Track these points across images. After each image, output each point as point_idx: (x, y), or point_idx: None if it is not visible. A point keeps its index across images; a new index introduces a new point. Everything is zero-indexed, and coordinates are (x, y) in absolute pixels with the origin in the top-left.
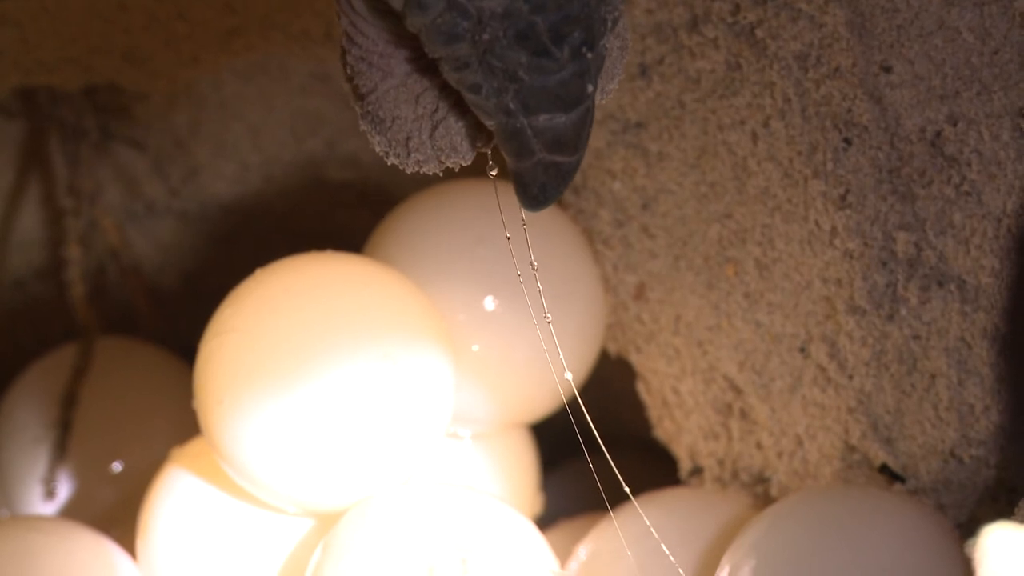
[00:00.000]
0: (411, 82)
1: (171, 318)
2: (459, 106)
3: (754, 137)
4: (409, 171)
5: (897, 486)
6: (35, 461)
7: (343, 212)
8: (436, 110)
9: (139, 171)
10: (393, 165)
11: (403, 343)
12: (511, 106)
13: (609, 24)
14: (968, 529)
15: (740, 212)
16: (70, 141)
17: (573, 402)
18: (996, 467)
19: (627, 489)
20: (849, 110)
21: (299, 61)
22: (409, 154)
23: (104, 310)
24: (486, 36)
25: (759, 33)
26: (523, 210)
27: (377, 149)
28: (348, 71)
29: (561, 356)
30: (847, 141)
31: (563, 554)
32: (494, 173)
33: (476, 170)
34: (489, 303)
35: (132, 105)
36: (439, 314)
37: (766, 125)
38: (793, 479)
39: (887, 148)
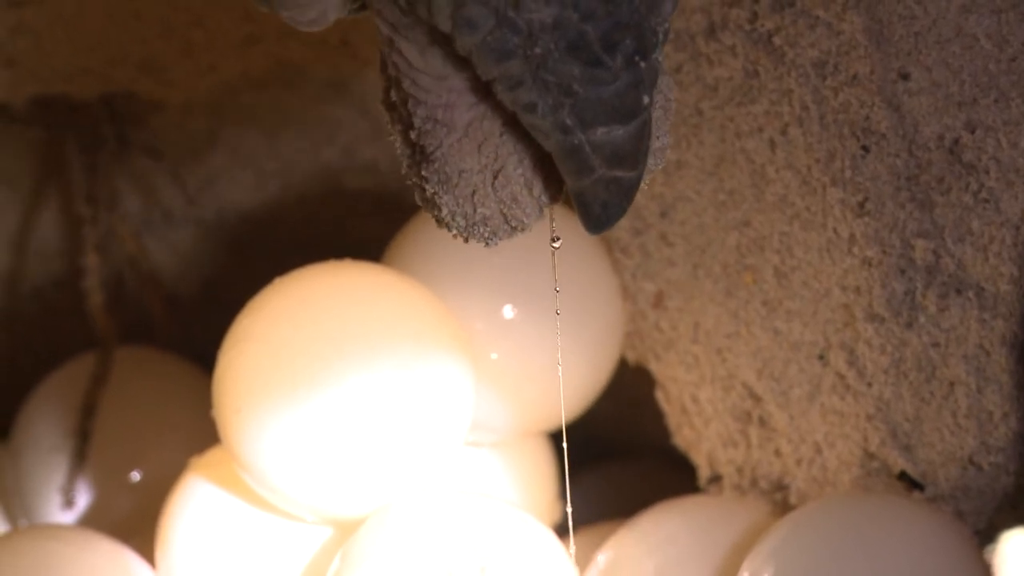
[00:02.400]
0: (472, 131)
1: (189, 326)
2: (516, 154)
3: (772, 145)
4: (476, 239)
5: (916, 493)
6: (54, 470)
7: (360, 220)
8: (496, 158)
9: (156, 179)
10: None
11: (422, 352)
12: (567, 122)
13: (660, 36)
14: (987, 536)
15: (758, 220)
16: (87, 150)
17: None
18: (1015, 474)
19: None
20: (867, 117)
21: (316, 69)
22: (475, 210)
23: (122, 319)
24: (538, 50)
25: (777, 40)
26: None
27: (444, 213)
28: (413, 136)
29: (560, 385)
30: (865, 148)
31: (582, 562)
32: (556, 245)
33: None
34: (508, 311)
35: (149, 113)
36: (457, 323)
37: (784, 133)
38: (812, 486)
39: (905, 155)
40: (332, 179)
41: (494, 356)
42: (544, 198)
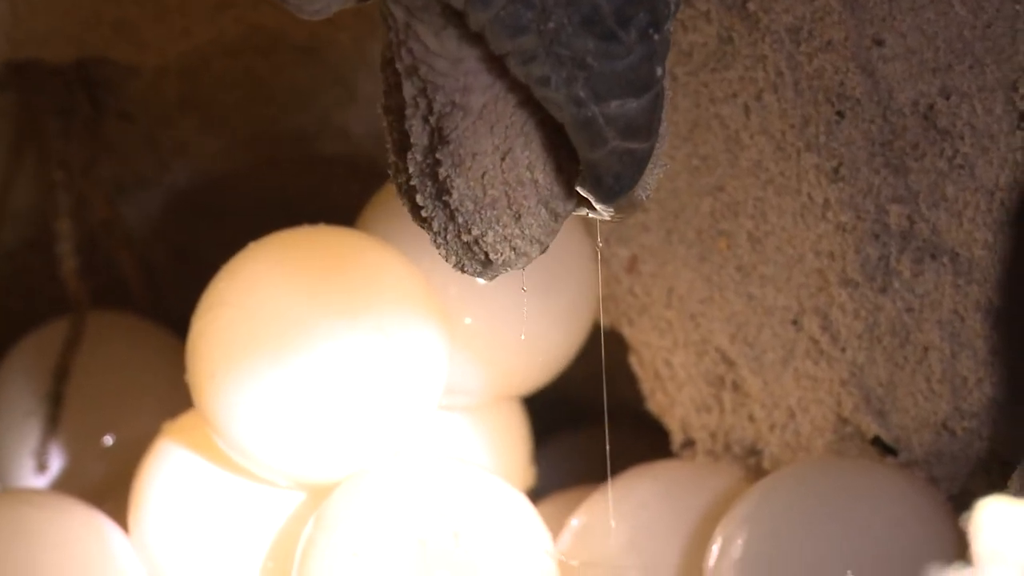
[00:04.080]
0: (486, 113)
1: (162, 291)
2: (524, 136)
3: (746, 110)
4: (479, 230)
5: (889, 459)
6: (27, 434)
7: (334, 185)
8: (505, 139)
9: (130, 144)
10: (383, 139)
11: (396, 316)
12: (581, 95)
13: (672, 7)
14: (960, 501)
15: (733, 185)
16: (61, 115)
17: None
18: (988, 439)
19: None
20: (842, 83)
21: (290, 35)
22: (485, 192)
23: (96, 283)
24: (551, 25)
25: (751, 6)
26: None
27: (454, 197)
28: (432, 120)
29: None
30: (840, 114)
31: (556, 526)
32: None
33: None
34: None
35: (123, 78)
36: (432, 287)
37: (758, 98)
38: (785, 452)
39: (880, 121)
40: (306, 145)
41: (468, 321)
42: (543, 182)
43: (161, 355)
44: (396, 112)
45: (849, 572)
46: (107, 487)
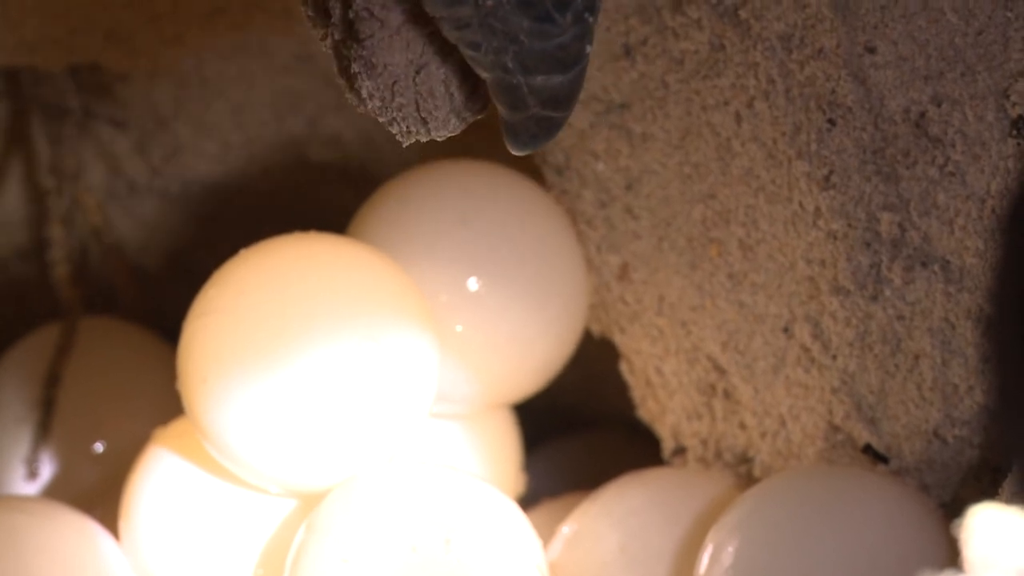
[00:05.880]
0: (404, 31)
1: (154, 297)
2: (441, 54)
3: (738, 118)
4: (385, 119)
5: (880, 466)
6: (18, 441)
7: (325, 191)
8: (421, 55)
9: (121, 150)
10: (375, 145)
11: (386, 323)
12: (509, 65)
13: None
14: (952, 509)
15: (724, 193)
16: (52, 121)
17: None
18: (980, 447)
19: None
20: (833, 91)
21: (281, 40)
22: (394, 98)
23: (87, 290)
24: (489, 2)
25: (743, 14)
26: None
27: (364, 94)
28: (351, 15)
29: None
30: (831, 122)
31: (546, 534)
32: None
33: (458, 150)
34: (472, 284)
35: (114, 84)
36: (422, 295)
37: (750, 106)
38: (776, 459)
39: (871, 129)
40: (297, 150)
41: (458, 328)
42: (458, 96)
43: (152, 361)
44: None
45: None
46: (98, 494)
